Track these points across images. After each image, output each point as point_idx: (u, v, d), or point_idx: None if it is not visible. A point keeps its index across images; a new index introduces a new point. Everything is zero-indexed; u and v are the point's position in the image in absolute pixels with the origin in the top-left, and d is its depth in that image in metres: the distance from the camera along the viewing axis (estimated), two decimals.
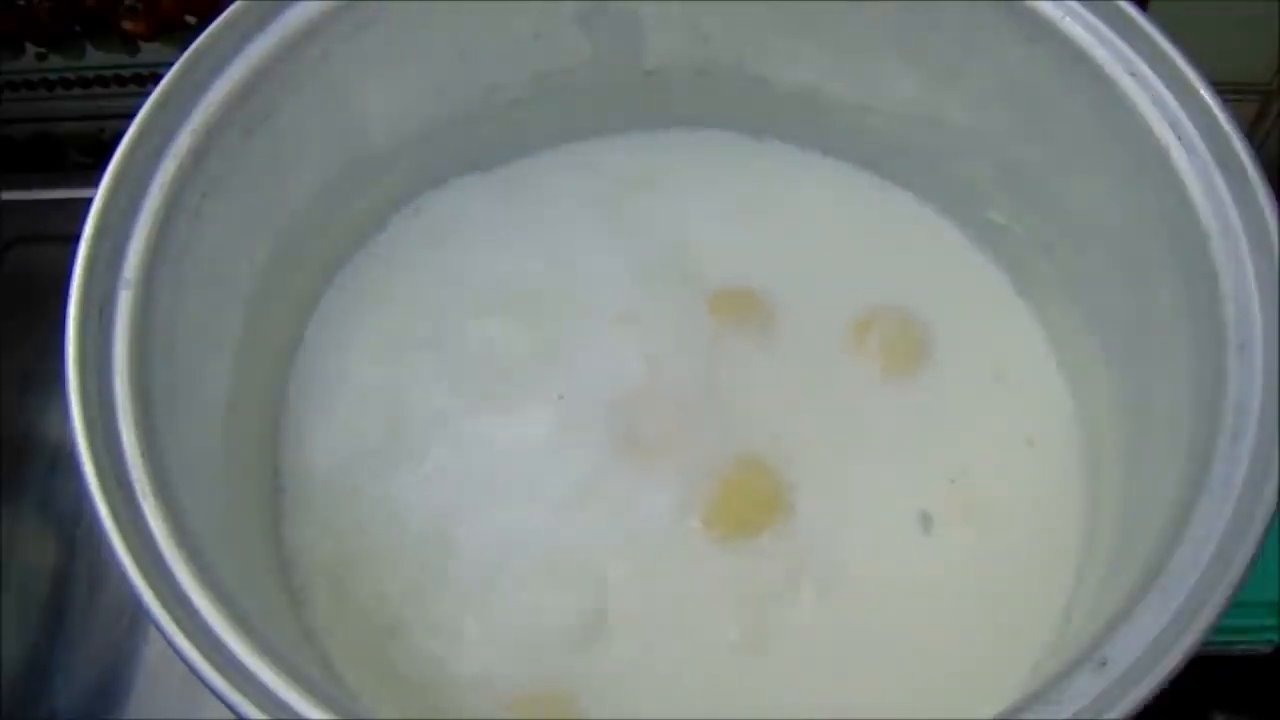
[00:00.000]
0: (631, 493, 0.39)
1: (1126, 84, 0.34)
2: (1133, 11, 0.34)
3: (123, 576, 0.30)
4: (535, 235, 0.44)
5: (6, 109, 0.60)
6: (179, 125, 0.35)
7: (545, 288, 0.43)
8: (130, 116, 0.34)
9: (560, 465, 0.40)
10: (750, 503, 0.39)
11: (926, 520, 0.39)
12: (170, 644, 0.29)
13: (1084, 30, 0.35)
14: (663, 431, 0.41)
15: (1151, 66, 0.34)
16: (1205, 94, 0.33)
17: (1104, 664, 0.28)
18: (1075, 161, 0.37)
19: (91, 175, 0.34)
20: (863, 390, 0.41)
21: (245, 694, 0.28)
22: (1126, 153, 0.35)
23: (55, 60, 0.60)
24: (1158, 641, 0.28)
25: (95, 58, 0.59)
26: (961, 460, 0.40)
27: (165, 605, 0.29)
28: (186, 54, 0.35)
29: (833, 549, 0.39)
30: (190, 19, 0.58)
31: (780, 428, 0.40)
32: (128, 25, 0.58)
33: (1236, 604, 0.28)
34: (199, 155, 0.35)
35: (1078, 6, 0.35)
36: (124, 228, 0.34)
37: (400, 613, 0.38)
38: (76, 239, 0.33)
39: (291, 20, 0.36)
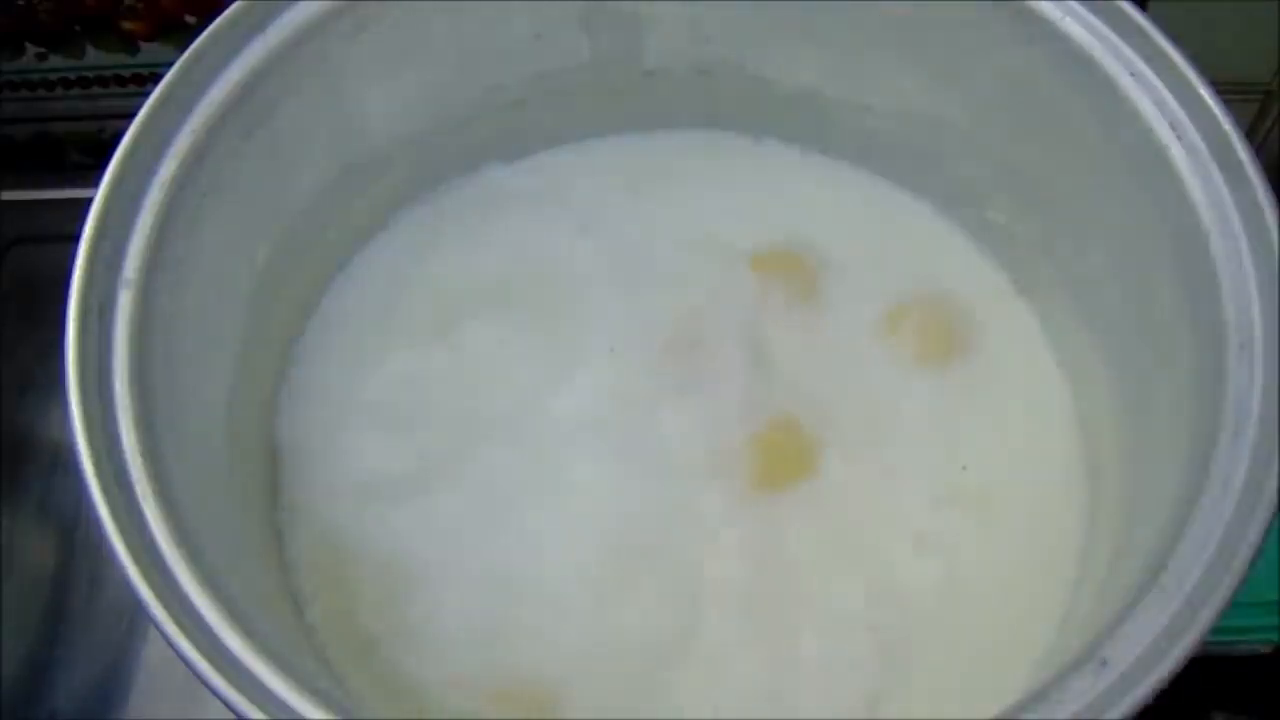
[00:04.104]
0: (663, 439, 0.40)
1: (1126, 84, 0.34)
2: (1133, 11, 0.34)
3: (123, 576, 0.30)
4: (542, 232, 0.44)
5: (6, 109, 0.60)
6: (179, 125, 0.35)
7: (554, 280, 0.43)
8: (130, 116, 0.34)
9: (578, 452, 0.40)
10: (783, 457, 0.40)
11: (931, 508, 0.39)
12: (170, 644, 0.29)
13: (1084, 30, 0.35)
14: (707, 383, 0.41)
15: (1151, 66, 0.34)
16: (1205, 94, 0.33)
17: (1104, 664, 0.28)
18: (1075, 161, 0.37)
19: (91, 175, 0.34)
20: (886, 374, 0.42)
21: (245, 694, 0.28)
22: (1126, 153, 0.35)
23: (55, 60, 0.59)
24: (1158, 641, 0.28)
25: (95, 58, 0.59)
26: (961, 459, 0.40)
27: (165, 605, 0.29)
28: (186, 54, 0.35)
29: (847, 525, 0.39)
30: (190, 19, 0.58)
31: (814, 393, 0.41)
32: (128, 25, 0.58)
33: (1236, 604, 0.28)
34: (199, 155, 0.35)
35: (1078, 6, 0.35)
36: (124, 228, 0.34)
37: (400, 612, 0.38)
38: (76, 239, 0.33)
39: (291, 20, 0.36)
